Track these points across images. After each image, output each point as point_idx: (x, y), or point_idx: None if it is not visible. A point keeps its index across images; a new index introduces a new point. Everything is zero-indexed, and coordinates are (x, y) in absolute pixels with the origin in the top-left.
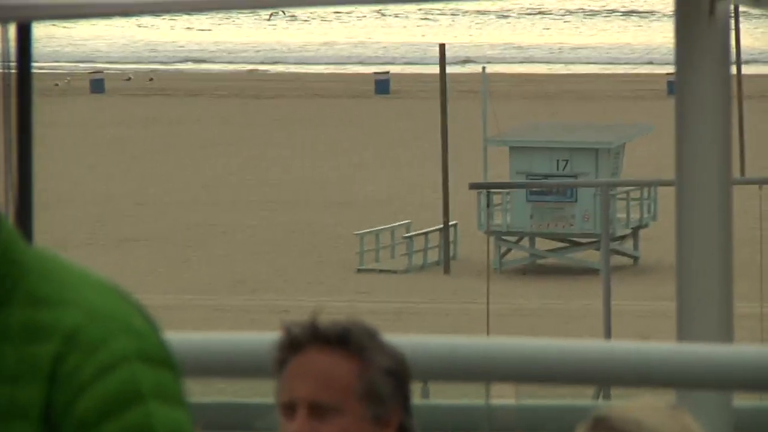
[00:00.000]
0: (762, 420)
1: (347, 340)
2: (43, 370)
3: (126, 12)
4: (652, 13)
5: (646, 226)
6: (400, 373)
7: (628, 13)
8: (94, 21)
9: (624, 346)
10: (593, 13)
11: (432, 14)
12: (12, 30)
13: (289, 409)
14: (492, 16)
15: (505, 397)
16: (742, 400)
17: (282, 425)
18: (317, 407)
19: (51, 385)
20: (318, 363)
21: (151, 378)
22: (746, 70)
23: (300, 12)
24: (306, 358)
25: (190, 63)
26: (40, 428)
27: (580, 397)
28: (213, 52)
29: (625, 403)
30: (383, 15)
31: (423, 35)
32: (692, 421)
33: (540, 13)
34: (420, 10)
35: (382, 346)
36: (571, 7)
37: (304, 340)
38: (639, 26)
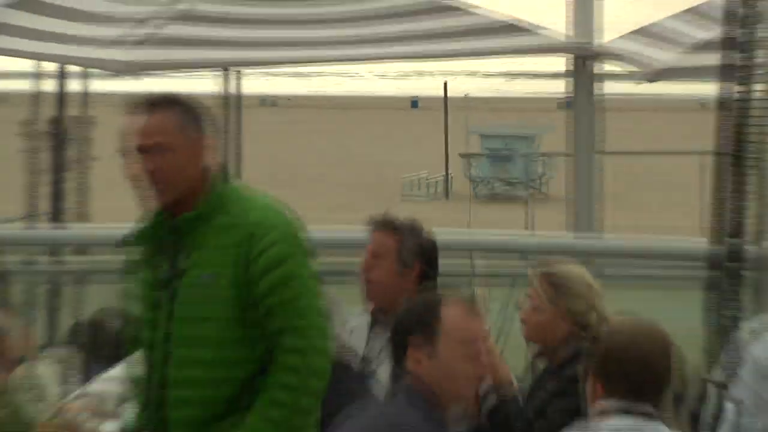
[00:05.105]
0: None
1: (393, 226)
2: (241, 241)
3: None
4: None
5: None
6: (423, 248)
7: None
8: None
9: None
10: None
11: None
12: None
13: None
14: None
15: None
16: None
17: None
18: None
19: (243, 251)
20: (374, 238)
21: (299, 250)
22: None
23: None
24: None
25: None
26: (236, 277)
27: None
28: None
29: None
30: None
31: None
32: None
33: None
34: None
35: (413, 234)
36: None
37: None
38: None
